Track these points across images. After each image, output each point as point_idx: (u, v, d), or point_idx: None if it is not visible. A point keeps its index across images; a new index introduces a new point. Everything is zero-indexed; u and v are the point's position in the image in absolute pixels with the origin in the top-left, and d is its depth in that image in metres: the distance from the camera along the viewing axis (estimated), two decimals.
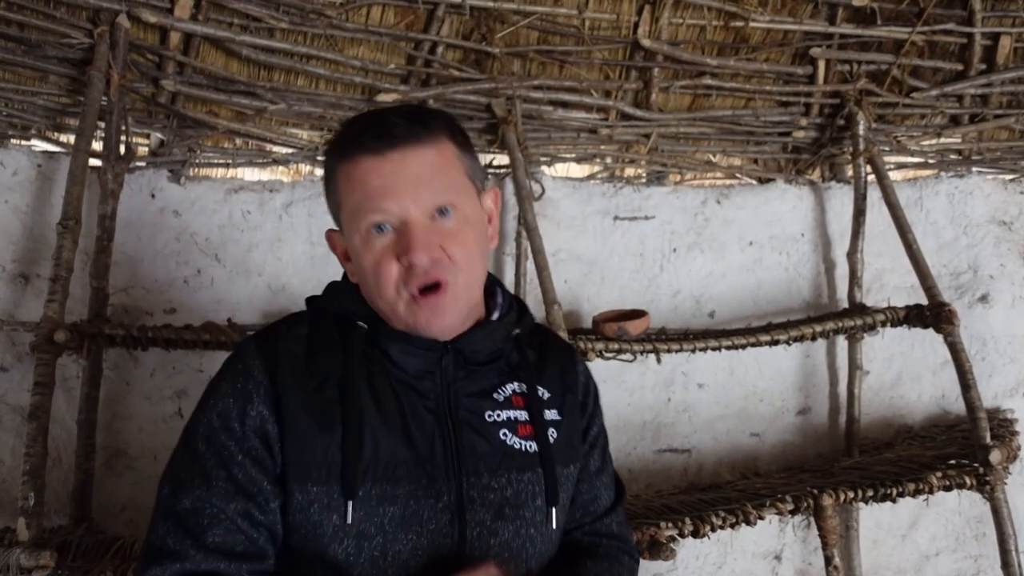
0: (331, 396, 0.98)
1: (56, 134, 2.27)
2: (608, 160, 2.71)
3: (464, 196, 1.01)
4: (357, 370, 0.99)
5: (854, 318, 2.38)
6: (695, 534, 1.94)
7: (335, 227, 1.08)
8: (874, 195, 2.61)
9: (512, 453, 1.03)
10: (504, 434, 1.03)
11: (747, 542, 2.53)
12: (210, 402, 1.00)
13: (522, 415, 1.05)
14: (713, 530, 1.96)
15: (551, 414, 1.08)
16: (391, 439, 0.98)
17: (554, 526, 1.05)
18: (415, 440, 0.99)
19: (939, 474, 2.11)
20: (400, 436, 0.98)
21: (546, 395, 1.09)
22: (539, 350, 1.14)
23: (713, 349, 2.29)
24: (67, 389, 2.09)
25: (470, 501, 0.99)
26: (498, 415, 1.04)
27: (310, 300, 1.11)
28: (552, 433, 1.07)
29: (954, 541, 2.70)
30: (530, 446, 1.04)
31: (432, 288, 0.97)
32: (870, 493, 2.07)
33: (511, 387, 1.07)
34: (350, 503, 0.94)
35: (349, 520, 0.94)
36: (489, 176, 2.50)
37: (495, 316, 1.09)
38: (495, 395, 1.06)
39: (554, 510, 1.04)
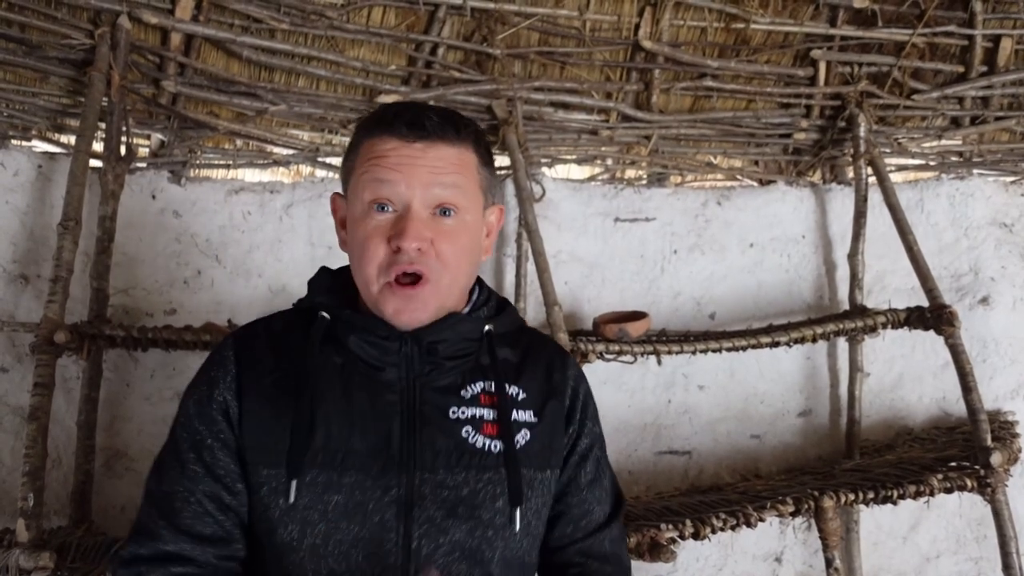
0: (290, 384, 1.01)
1: (57, 135, 2.27)
2: (609, 162, 2.71)
3: (469, 203, 1.02)
4: (316, 359, 1.01)
5: (855, 320, 2.38)
6: (696, 536, 1.94)
7: (342, 193, 1.10)
8: (875, 197, 2.61)
9: (472, 451, 1.01)
10: (467, 431, 1.02)
11: (748, 544, 2.53)
12: (190, 392, 1.07)
13: (489, 414, 1.03)
14: (714, 532, 1.96)
15: (524, 415, 1.06)
16: (346, 428, 0.99)
17: (517, 528, 1.02)
18: (371, 431, 0.99)
19: (940, 476, 2.11)
20: (356, 426, 0.99)
21: (521, 395, 1.07)
22: (523, 350, 1.12)
23: (714, 351, 2.29)
24: (67, 390, 2.09)
25: (420, 497, 0.98)
26: (463, 412, 1.03)
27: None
28: (524, 434, 1.05)
29: (955, 543, 2.69)
30: (494, 445, 1.02)
31: (411, 280, 0.98)
32: (871, 495, 2.07)
33: (479, 385, 1.06)
34: (293, 483, 0.96)
35: (291, 499, 0.96)
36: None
37: (465, 311, 1.08)
38: (463, 392, 1.05)
39: (518, 512, 1.01)
